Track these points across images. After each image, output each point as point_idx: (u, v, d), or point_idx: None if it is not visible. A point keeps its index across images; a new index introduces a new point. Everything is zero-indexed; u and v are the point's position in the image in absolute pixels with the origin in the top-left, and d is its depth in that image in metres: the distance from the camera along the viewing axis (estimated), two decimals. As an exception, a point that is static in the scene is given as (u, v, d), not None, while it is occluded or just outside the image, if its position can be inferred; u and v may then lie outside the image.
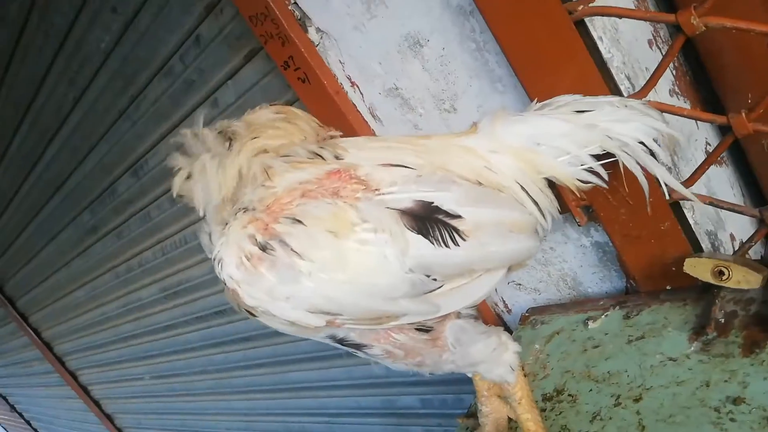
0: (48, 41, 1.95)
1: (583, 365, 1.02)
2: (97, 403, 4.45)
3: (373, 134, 1.35)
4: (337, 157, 0.79)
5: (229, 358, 2.59)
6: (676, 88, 1.11)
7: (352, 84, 1.32)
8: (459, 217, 0.74)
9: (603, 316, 1.10)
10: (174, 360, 3.01)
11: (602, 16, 0.90)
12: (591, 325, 1.10)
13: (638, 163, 0.83)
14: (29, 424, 7.09)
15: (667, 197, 0.87)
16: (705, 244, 1.04)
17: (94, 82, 1.94)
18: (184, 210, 2.01)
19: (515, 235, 0.79)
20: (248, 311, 0.76)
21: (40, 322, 4.15)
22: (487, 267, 0.80)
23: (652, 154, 0.83)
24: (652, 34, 1.10)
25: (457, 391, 1.76)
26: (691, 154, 1.10)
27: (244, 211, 0.75)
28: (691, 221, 1.03)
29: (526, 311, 1.30)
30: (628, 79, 1.00)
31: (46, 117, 2.27)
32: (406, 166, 0.78)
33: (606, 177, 0.85)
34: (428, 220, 0.73)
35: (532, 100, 1.03)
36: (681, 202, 1.00)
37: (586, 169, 0.83)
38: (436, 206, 0.74)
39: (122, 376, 3.69)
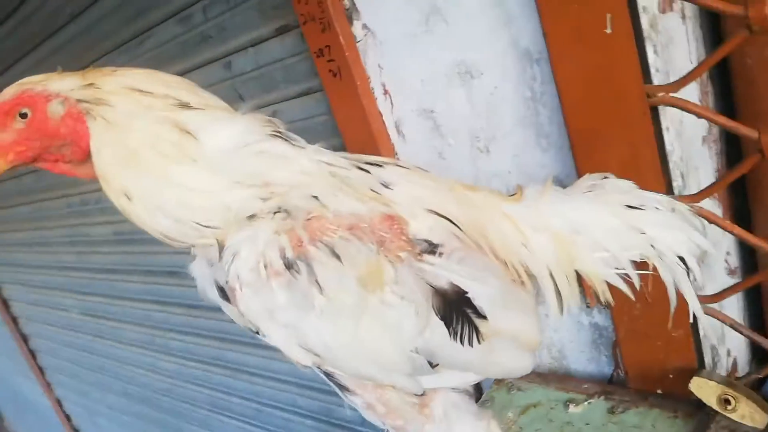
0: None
1: (558, 452, 0.98)
2: (14, 320, 4.23)
3: (392, 149, 1.27)
4: (385, 186, 0.74)
5: (170, 319, 2.47)
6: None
7: (385, 92, 1.22)
8: (485, 318, 0.70)
9: (586, 402, 1.06)
10: (109, 303, 2.86)
11: (681, 110, 0.84)
12: (572, 408, 1.06)
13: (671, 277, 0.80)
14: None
15: (690, 320, 0.83)
16: (707, 359, 1.01)
17: (98, 3, 1.77)
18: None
19: (521, 353, 0.77)
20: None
21: (-29, 224, 3.89)
22: (481, 374, 0.78)
23: (688, 270, 0.79)
24: (707, 131, 1.05)
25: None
26: (713, 261, 1.07)
27: (285, 215, 0.67)
28: (701, 332, 1.00)
29: (503, 370, 1.25)
30: (682, 176, 0.95)
31: (33, 26, 2.07)
32: (450, 220, 0.74)
33: (637, 287, 0.81)
34: (456, 311, 0.69)
35: (575, 166, 0.98)
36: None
37: (620, 274, 0.80)
38: (469, 298, 0.70)
39: (48, 302, 3.50)
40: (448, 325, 0.69)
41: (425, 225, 0.72)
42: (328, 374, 0.74)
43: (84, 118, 0.66)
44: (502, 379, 1.21)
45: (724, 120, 0.81)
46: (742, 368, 1.11)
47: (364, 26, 1.19)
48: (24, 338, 4.26)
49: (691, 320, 0.82)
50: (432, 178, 0.81)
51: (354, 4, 1.18)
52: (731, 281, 1.14)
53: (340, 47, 1.19)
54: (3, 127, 0.66)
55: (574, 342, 1.17)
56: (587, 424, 1.01)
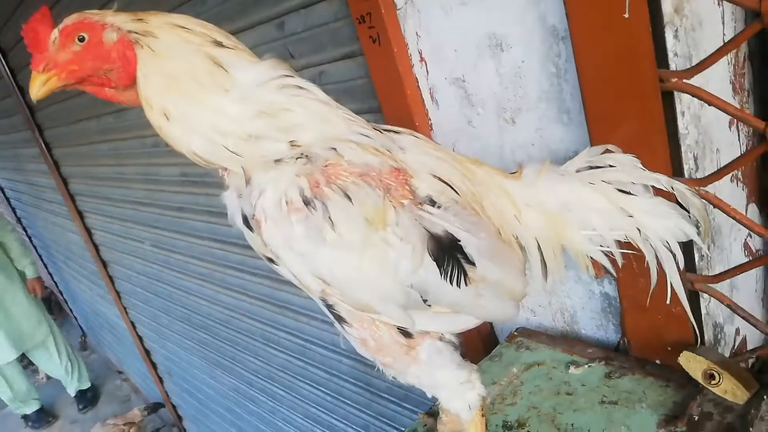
0: None
1: (551, 407, 1.06)
2: (96, 247, 4.64)
3: (426, 114, 1.33)
4: (399, 148, 0.84)
5: (228, 257, 2.68)
6: (738, 173, 1.07)
7: (422, 59, 1.28)
8: (473, 264, 0.80)
9: (587, 366, 1.13)
10: (176, 239, 3.11)
11: (693, 96, 0.86)
12: (572, 370, 1.13)
13: (656, 258, 0.87)
14: (30, 240, 7.44)
15: (668, 301, 0.89)
16: (708, 335, 1.05)
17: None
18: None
19: (505, 301, 0.86)
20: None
21: (62, 157, 4.25)
22: (470, 314, 0.87)
23: (673, 254, 0.87)
24: (737, 112, 1.05)
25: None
26: (728, 244, 1.08)
27: (306, 160, 0.77)
28: (703, 311, 1.03)
29: (516, 330, 1.33)
30: (695, 159, 0.97)
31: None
32: (452, 188, 0.83)
33: (620, 266, 0.88)
34: (448, 254, 0.79)
35: (592, 143, 1.01)
36: (699, 291, 1.00)
37: (603, 252, 0.86)
38: (461, 246, 0.79)
39: (125, 233, 3.83)
40: (440, 266, 0.79)
41: (428, 185, 0.81)
42: (329, 306, 0.84)
43: (133, 46, 0.76)
44: (513, 337, 1.29)
45: (732, 109, 0.82)
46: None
47: (404, -5, 1.23)
48: (104, 264, 4.68)
49: (668, 300, 0.88)
50: (441, 150, 0.88)
51: (395, -28, 1.22)
52: (748, 263, 1.15)
53: (380, 15, 1.25)
54: (63, 47, 0.77)
55: (586, 308, 1.23)
56: (583, 385, 1.09)
